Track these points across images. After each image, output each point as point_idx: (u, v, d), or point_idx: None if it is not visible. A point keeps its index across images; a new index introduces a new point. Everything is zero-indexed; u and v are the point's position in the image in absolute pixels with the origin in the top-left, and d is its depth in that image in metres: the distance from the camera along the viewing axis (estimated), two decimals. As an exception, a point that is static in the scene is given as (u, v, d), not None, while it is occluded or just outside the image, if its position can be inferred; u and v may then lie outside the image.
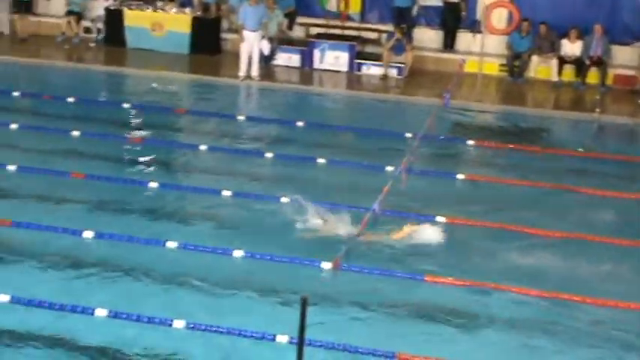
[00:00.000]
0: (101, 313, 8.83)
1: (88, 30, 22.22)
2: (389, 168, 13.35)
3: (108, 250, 10.46)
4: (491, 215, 11.95)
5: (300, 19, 21.66)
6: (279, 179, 13.08)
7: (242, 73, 19.10)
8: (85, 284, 9.64)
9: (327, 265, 9.92)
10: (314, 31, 21.44)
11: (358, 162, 14.02)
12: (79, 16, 22.01)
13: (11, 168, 12.91)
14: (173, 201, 12.14)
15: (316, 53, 20.33)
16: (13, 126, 14.98)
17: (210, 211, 11.82)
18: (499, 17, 19.98)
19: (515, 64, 20.18)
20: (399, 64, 20.02)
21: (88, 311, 8.85)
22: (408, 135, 15.09)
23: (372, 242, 10.74)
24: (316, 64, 20.35)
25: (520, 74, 20.13)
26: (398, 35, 19.80)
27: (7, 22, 22.33)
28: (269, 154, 14.18)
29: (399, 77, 19.98)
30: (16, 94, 17.14)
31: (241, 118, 16.47)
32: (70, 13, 21.97)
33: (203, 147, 14.35)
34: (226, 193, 12.28)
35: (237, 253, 10.40)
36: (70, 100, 16.82)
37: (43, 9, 22.97)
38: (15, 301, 8.99)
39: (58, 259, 10.12)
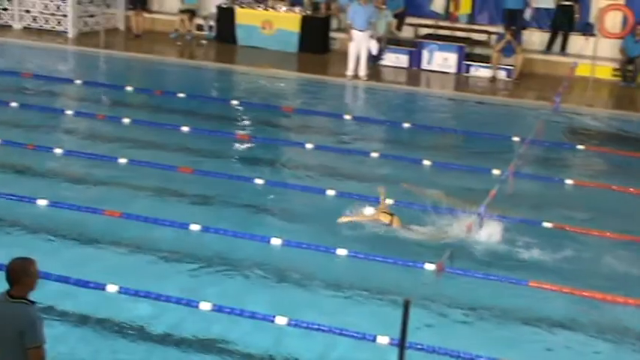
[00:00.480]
0: (205, 307, 8.97)
1: (200, 27, 22.61)
2: (495, 171, 13.19)
3: (213, 244, 10.61)
4: (599, 222, 11.69)
5: (409, 20, 21.57)
6: (384, 180, 13.01)
7: (350, 72, 19.14)
8: (190, 277, 9.82)
9: (430, 267, 9.87)
10: (423, 31, 21.32)
11: (464, 165, 13.90)
12: (192, 13, 22.41)
13: (122, 161, 13.24)
14: (278, 198, 12.24)
15: (424, 54, 20.21)
16: (126, 120, 15.34)
17: (314, 209, 11.87)
18: (613, 20, 19.53)
19: (629, 68, 19.68)
20: (509, 66, 19.75)
21: (192, 304, 9.01)
22: (516, 138, 14.87)
23: (476, 245, 10.64)
24: (424, 65, 20.23)
25: (633, 79, 19.62)
26: (508, 37, 19.53)
27: (123, 19, 22.91)
28: (374, 155, 14.17)
29: (508, 79, 19.71)
30: (129, 89, 17.55)
31: (348, 117, 16.50)
32: (183, 10, 22.39)
33: (309, 145, 14.43)
34: (330, 192, 12.33)
35: (341, 252, 10.43)
36: (181, 95, 17.13)
37: (158, 6, 23.47)
38: (123, 291, 9.22)
39: (165, 253, 10.33)
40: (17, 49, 20.98)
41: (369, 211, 11.39)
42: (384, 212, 11.28)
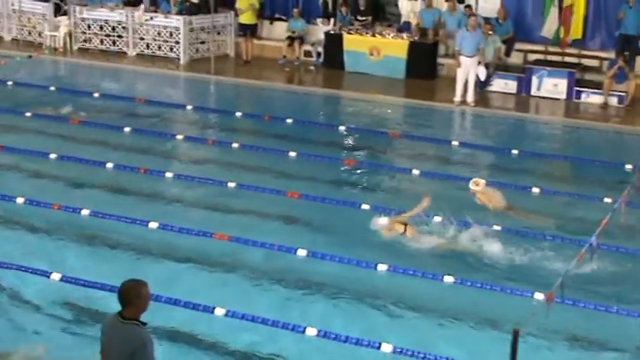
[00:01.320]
0: (311, 332, 9.00)
1: (308, 53, 22.84)
2: (607, 200, 12.88)
3: (320, 269, 10.66)
4: None
5: (518, 45, 21.34)
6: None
7: (457, 98, 19.04)
8: (297, 302, 9.89)
9: (539, 297, 9.69)
10: (532, 57, 21.06)
11: (574, 192, 13.62)
12: (300, 40, 22.67)
13: (231, 185, 13.43)
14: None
15: (534, 80, 19.93)
16: (235, 145, 15.58)
17: (420, 235, 11.79)
18: None
19: None
20: (620, 93, 19.32)
21: (298, 329, 9.05)
22: (629, 166, 14.52)
23: (588, 275, 10.40)
24: (533, 91, 19.95)
25: None
26: (621, 63, 19.12)
27: (233, 45, 23.32)
28: (482, 181, 13.99)
29: (620, 106, 19.26)
30: (238, 114, 17.83)
31: (455, 143, 16.39)
32: (291, 37, 22.67)
33: (416, 171, 14.37)
34: (437, 218, 12.24)
35: (448, 279, 10.35)
36: (289, 121, 17.31)
37: (267, 33, 23.80)
38: (230, 315, 9.33)
39: (274, 276, 10.45)
40: (131, 75, 21.59)
41: (383, 221, 11.73)
42: (398, 222, 11.60)
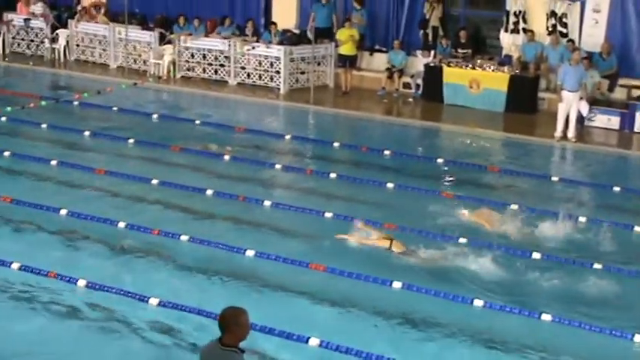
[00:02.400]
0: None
1: (407, 85, 22.84)
2: None
3: (415, 302, 10.61)
4: None
5: (621, 81, 20.93)
6: (593, 246, 12.63)
7: (558, 133, 18.75)
8: (391, 334, 9.84)
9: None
10: (636, 93, 20.62)
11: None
12: (400, 71, 22.69)
13: (328, 215, 13.48)
14: (479, 259, 12.02)
15: (637, 116, 19.51)
16: (332, 175, 15.64)
17: (518, 272, 11.62)
18: None
19: None
20: None
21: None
22: None
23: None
24: (637, 128, 19.51)
25: None
26: None
27: (332, 76, 23.49)
28: (582, 219, 13.73)
29: None
30: (336, 144, 17.91)
31: (555, 179, 16.13)
32: (390, 68, 22.72)
33: (514, 206, 14.17)
34: (536, 255, 12.06)
35: (546, 317, 10.17)
36: (387, 152, 17.31)
37: (366, 64, 23.91)
38: (324, 345, 9.34)
39: (366, 307, 10.43)
40: (231, 104, 21.92)
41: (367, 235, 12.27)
42: (383, 237, 12.12)
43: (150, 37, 24.66)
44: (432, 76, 21.96)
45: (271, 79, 22.98)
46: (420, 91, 22.50)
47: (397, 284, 10.96)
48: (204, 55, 23.74)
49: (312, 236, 12.75)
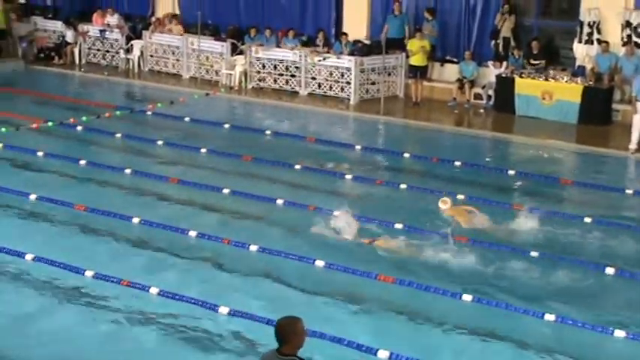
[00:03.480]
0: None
1: (478, 96, 22.70)
2: None
3: (484, 316, 10.53)
4: None
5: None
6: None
7: (633, 145, 18.43)
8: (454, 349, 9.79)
9: None
10: None
11: None
12: (471, 82, 22.57)
13: (398, 226, 13.45)
14: (556, 275, 11.82)
15: None
16: (402, 186, 15.62)
17: (593, 288, 11.46)
18: None
19: None
20: None
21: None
22: None
23: None
24: None
25: None
26: None
27: (402, 87, 23.46)
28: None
29: None
30: (406, 155, 17.87)
31: (629, 192, 15.86)
32: (461, 79, 22.61)
33: (587, 219, 13.98)
34: (609, 270, 11.87)
35: (619, 334, 10.01)
36: (457, 163, 17.22)
37: (437, 75, 23.83)
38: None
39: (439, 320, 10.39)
40: (302, 114, 22.05)
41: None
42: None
43: (222, 47, 24.94)
44: (504, 87, 21.79)
45: (342, 89, 23.05)
46: (491, 102, 22.34)
47: (467, 296, 10.88)
48: (275, 65, 23.92)
49: (384, 248, 12.70)
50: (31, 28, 27.78)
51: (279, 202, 14.52)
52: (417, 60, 22.64)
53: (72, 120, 19.60)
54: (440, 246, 12.43)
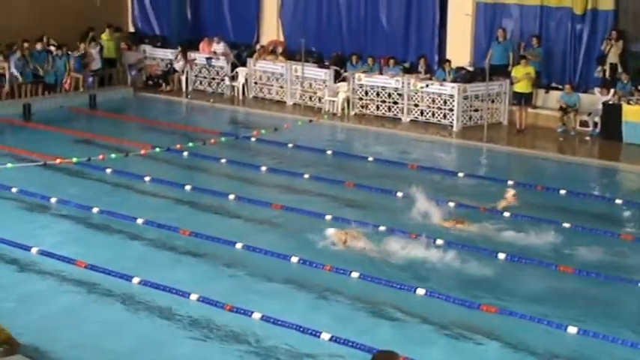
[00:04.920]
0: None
1: (584, 123, 22.30)
2: None
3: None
4: None
5: None
6: None
7: None
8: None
9: None
10: None
11: None
12: (575, 110, 22.21)
13: (501, 256, 13.30)
14: None
15: None
16: (506, 214, 15.46)
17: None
18: None
19: None
20: None
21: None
22: None
23: None
24: None
25: None
26: None
27: (506, 113, 23.23)
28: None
29: None
30: (510, 183, 17.61)
31: None
32: (564, 107, 22.24)
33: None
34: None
35: None
36: (562, 192, 16.94)
37: (542, 102, 23.52)
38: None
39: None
40: (404, 141, 22.00)
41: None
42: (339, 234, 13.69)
43: (325, 74, 25.14)
44: (611, 114, 21.37)
45: (444, 116, 22.96)
46: (597, 130, 21.92)
47: (572, 329, 10.68)
48: (377, 92, 23.99)
49: (484, 277, 12.59)
50: (141, 56, 28.51)
51: (382, 228, 14.50)
52: (521, 87, 22.40)
53: (178, 146, 20.00)
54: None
